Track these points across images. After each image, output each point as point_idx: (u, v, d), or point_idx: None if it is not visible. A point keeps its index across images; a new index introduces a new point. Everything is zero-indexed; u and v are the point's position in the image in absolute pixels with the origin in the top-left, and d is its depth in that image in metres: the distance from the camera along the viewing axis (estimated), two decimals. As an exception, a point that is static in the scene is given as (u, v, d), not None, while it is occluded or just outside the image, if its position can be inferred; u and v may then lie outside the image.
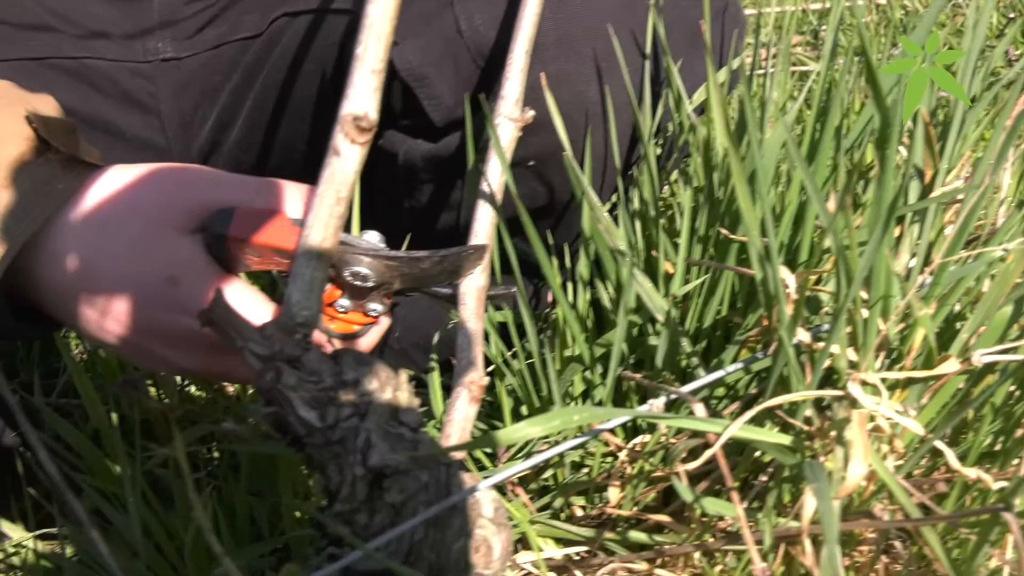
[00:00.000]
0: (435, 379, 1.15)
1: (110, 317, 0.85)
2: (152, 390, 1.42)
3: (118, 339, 0.87)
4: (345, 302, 0.90)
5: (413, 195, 1.24)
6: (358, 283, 0.86)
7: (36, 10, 1.20)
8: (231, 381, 1.08)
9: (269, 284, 1.50)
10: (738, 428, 0.75)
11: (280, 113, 1.26)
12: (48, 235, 0.82)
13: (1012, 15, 2.65)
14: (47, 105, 0.88)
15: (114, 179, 0.86)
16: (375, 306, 0.90)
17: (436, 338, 1.21)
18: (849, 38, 2.50)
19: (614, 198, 1.21)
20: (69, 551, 1.11)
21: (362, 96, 0.71)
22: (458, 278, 0.92)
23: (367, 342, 0.95)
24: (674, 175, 1.26)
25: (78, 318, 0.86)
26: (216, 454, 1.34)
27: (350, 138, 0.71)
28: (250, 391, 1.43)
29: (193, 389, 1.52)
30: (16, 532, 1.20)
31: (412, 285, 0.90)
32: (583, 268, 1.10)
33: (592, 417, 0.72)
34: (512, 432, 0.68)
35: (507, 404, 1.12)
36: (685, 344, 0.99)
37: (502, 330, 1.16)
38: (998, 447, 0.93)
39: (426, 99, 1.11)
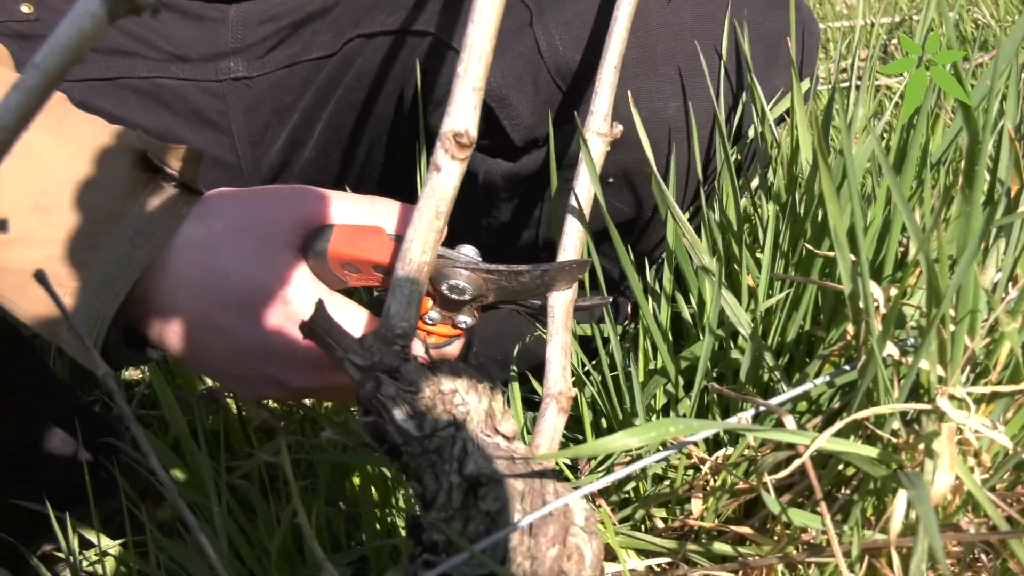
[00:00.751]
0: (515, 391, 1.16)
1: (224, 339, 0.87)
2: (230, 402, 1.45)
3: (230, 362, 0.89)
4: (435, 314, 0.91)
5: (491, 213, 1.25)
6: (454, 296, 0.87)
7: (119, 37, 1.22)
8: (340, 400, 1.09)
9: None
10: (826, 440, 0.76)
11: (355, 133, 1.28)
12: (161, 262, 0.85)
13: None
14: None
15: (221, 203, 0.89)
16: (464, 319, 0.92)
17: (516, 350, 1.22)
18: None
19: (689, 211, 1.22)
20: (152, 559, 1.13)
21: (463, 113, 0.73)
22: (551, 292, 0.93)
23: (450, 354, 0.96)
24: (754, 187, 1.26)
25: (189, 343, 0.88)
26: (291, 469, 1.36)
27: (450, 154, 0.73)
28: (326, 405, 1.45)
29: (270, 402, 1.54)
30: (99, 539, 1.22)
31: (506, 298, 0.92)
32: (667, 282, 1.11)
33: (687, 429, 0.72)
34: (610, 442, 0.69)
35: (587, 416, 1.13)
36: (768, 358, 1.00)
37: (583, 343, 1.17)
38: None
39: (506, 119, 1.12)
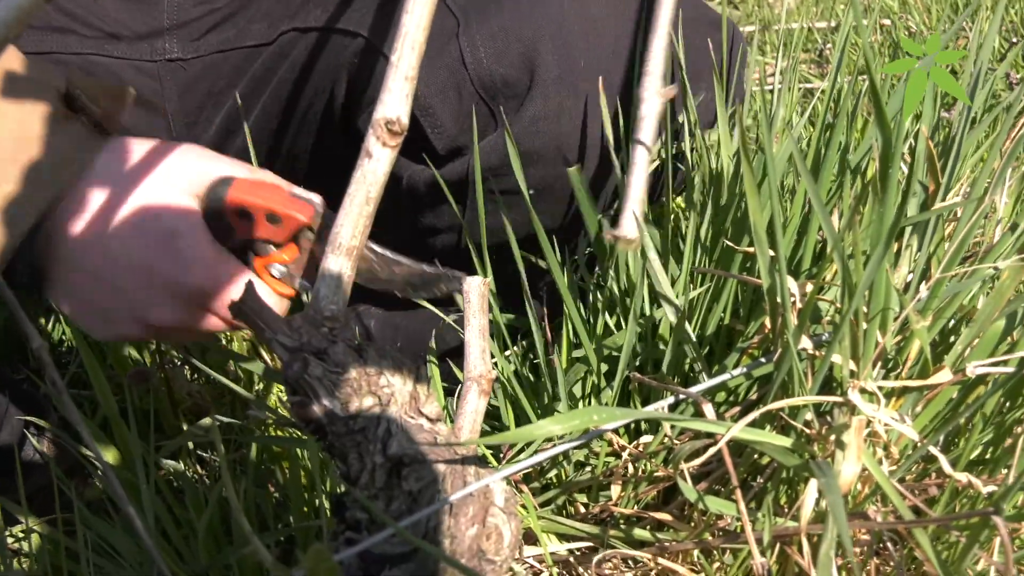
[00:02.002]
0: (435, 374, 1.17)
1: (109, 261, 0.91)
2: (162, 382, 1.45)
3: (108, 287, 0.93)
4: (283, 268, 0.95)
5: (415, 215, 1.26)
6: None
7: (53, 13, 1.22)
8: (204, 338, 1.12)
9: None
10: (741, 429, 0.78)
11: (286, 125, 1.28)
12: (70, 192, 0.89)
13: (1015, 39, 2.69)
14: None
15: (135, 145, 0.93)
16: (304, 283, 0.95)
17: (433, 338, 1.24)
18: (855, 57, 2.53)
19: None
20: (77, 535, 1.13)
21: (395, 101, 0.74)
22: (424, 296, 0.97)
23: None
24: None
25: (76, 271, 0.92)
26: (222, 447, 1.36)
27: (382, 141, 0.75)
28: (258, 385, 1.46)
29: (200, 381, 1.55)
30: (27, 516, 1.22)
31: (365, 278, 0.95)
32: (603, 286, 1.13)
33: (610, 417, 0.74)
34: (534, 429, 0.71)
35: (507, 406, 1.15)
36: (690, 349, 1.02)
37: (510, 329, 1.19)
38: (988, 455, 0.96)
39: (430, 128, 1.14)
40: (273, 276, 0.96)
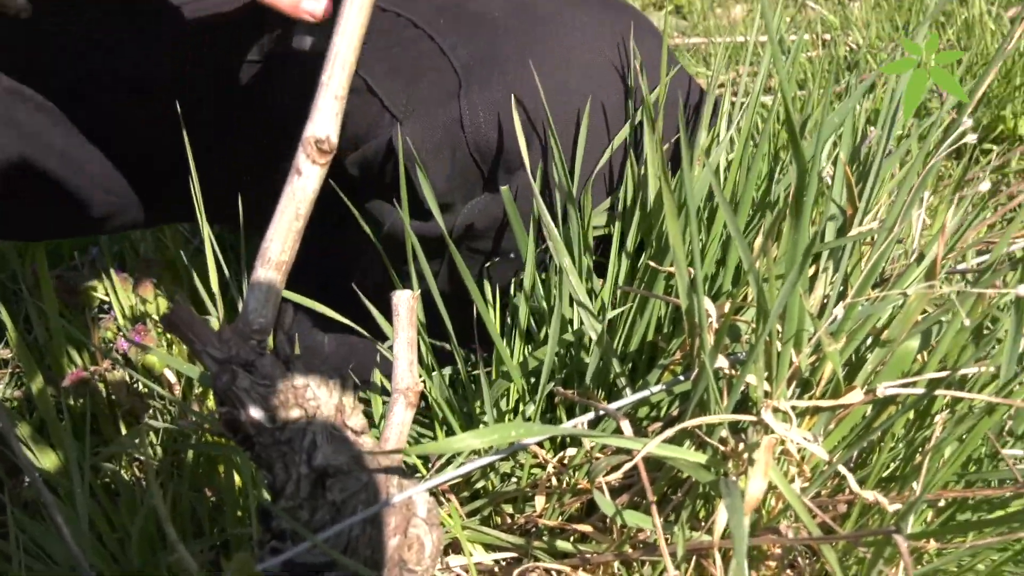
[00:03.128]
0: (376, 400, 1.20)
1: None
2: (101, 386, 1.46)
3: None
4: None
5: (391, 258, 1.28)
6: None
7: None
8: None
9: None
10: (657, 446, 0.80)
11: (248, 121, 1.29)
12: None
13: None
14: None
15: None
16: None
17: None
18: (793, 73, 2.57)
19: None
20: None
21: (325, 120, 0.76)
22: None
23: None
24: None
25: None
26: (160, 452, 1.38)
27: (311, 159, 0.77)
28: (196, 391, 1.48)
29: (140, 385, 1.56)
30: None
31: None
32: (523, 306, 1.16)
33: (528, 432, 0.76)
34: (454, 442, 0.73)
35: (438, 417, 1.17)
36: (615, 364, 1.05)
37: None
38: (899, 472, 0.99)
39: (420, 183, 1.15)
40: None
